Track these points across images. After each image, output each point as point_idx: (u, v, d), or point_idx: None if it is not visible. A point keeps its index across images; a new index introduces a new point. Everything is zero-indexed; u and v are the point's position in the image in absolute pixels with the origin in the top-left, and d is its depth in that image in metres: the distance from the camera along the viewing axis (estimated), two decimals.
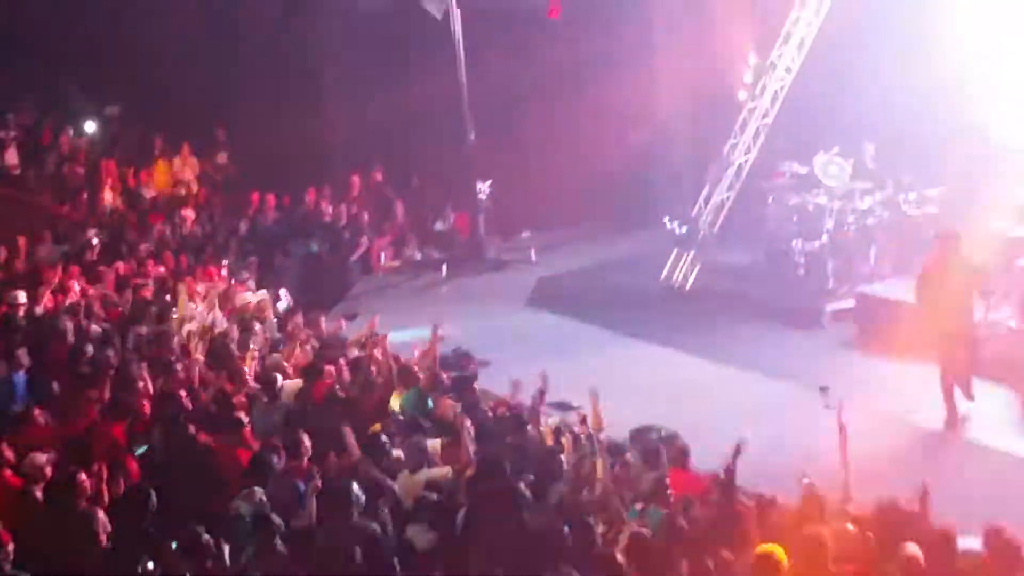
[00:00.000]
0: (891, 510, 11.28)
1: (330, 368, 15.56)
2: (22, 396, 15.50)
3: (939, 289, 14.81)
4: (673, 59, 23.85)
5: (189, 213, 22.92)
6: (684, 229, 21.68)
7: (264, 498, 11.85)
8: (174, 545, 10.95)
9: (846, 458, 12.84)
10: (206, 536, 10.88)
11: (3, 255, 20.24)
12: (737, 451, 12.16)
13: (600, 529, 11.27)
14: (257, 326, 17.80)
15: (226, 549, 11.14)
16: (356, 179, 24.44)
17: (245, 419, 13.93)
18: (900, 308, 18.22)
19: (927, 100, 20.31)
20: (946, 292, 14.72)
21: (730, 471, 12.03)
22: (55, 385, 15.32)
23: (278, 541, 11.11)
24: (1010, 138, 20.30)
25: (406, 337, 17.40)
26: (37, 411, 14.40)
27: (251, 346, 16.73)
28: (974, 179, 20.01)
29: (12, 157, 24.08)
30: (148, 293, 18.86)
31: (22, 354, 15.98)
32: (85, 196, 23.40)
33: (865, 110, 21.02)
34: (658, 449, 13.20)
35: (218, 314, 18.04)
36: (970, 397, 15.10)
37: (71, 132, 25.07)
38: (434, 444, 13.60)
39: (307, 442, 13.03)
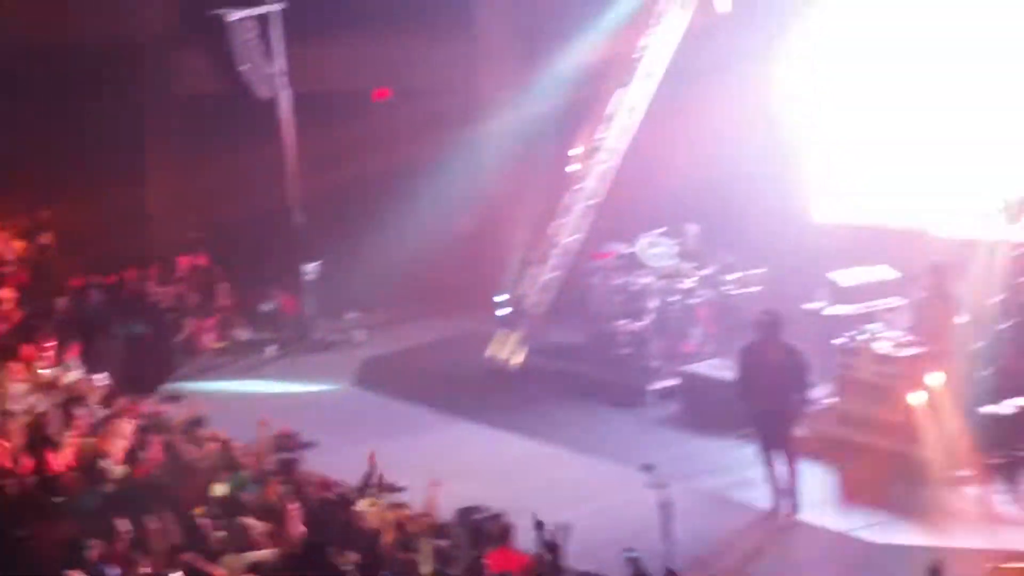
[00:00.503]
0: None
1: (153, 451, 15.36)
2: None
3: (762, 368, 14.90)
4: (501, 141, 23.96)
5: (8, 294, 22.37)
6: (510, 309, 21.71)
7: None
8: None
9: (670, 536, 12.93)
10: None
11: None
12: (563, 534, 12.21)
13: None
14: (80, 409, 17.51)
15: None
16: (182, 260, 24.18)
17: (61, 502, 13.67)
18: (723, 386, 18.45)
19: (750, 183, 20.65)
20: (773, 368, 14.81)
21: (555, 548, 12.04)
22: None
23: None
24: (830, 220, 20.74)
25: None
26: None
27: (72, 429, 16.44)
28: (796, 260, 20.36)
29: None
30: None
31: None
32: None
33: (689, 192, 21.31)
34: (481, 529, 13.24)
35: (39, 396, 17.72)
36: (793, 474, 15.20)
37: None
38: (259, 526, 13.45)
39: (125, 527, 12.82)
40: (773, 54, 20.81)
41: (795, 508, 15.01)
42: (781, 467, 15.20)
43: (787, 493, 15.11)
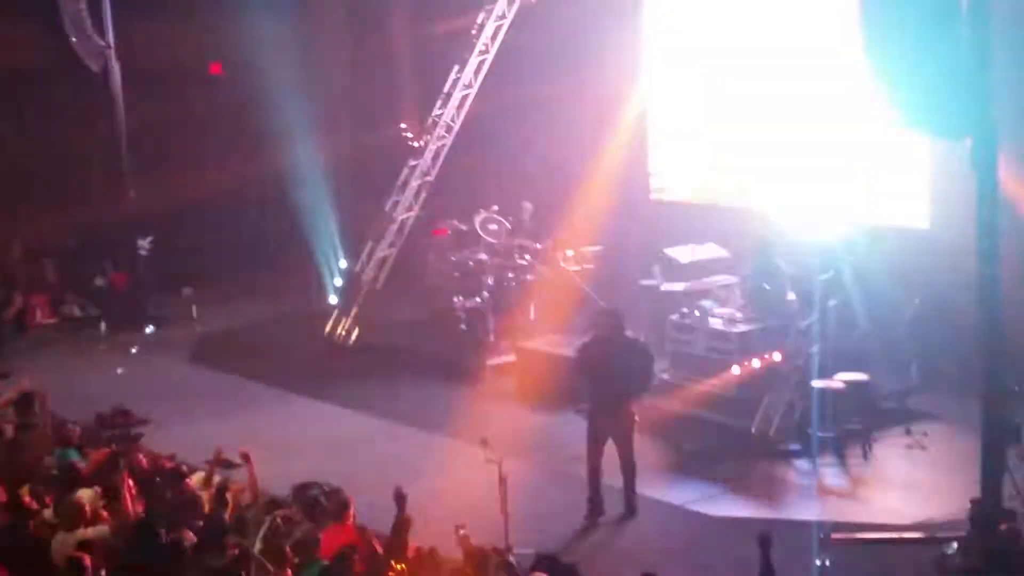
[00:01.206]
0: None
1: None
2: None
3: (602, 359, 14.77)
4: (335, 117, 23.88)
5: None
6: (347, 285, 21.63)
7: None
8: None
9: (506, 509, 12.94)
10: None
11: None
12: (401, 505, 12.23)
13: None
14: None
15: None
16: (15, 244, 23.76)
17: None
18: (558, 361, 18.52)
19: (586, 161, 20.76)
20: (613, 364, 14.61)
21: (404, 524, 12.10)
22: None
23: None
24: (668, 194, 20.93)
25: None
26: None
27: None
28: (629, 237, 20.51)
29: None
30: None
31: None
32: None
33: (525, 170, 21.38)
34: (317, 503, 13.18)
35: None
36: (631, 473, 14.80)
37: None
38: (93, 502, 13.25)
39: None
40: (611, 38, 20.93)
41: (633, 510, 14.62)
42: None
43: (625, 488, 14.72)
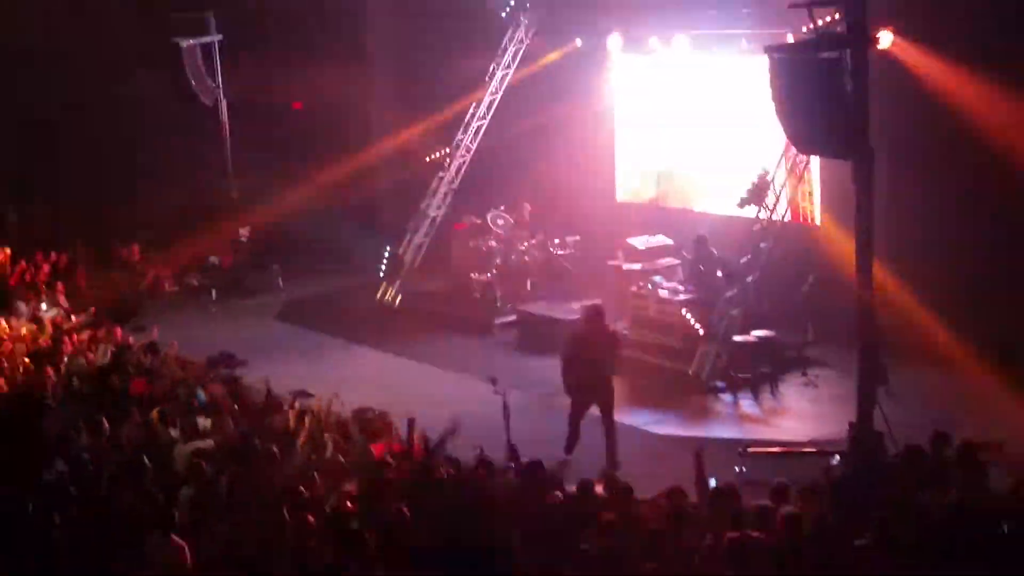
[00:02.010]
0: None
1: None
2: None
3: (585, 350, 14.34)
4: (384, 138, 23.82)
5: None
6: (393, 264, 21.63)
7: (64, 467, 11.40)
8: None
9: (509, 429, 12.97)
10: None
11: None
12: (450, 430, 12.12)
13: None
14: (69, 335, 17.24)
15: None
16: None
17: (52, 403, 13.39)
18: (548, 321, 18.55)
19: (569, 173, 20.84)
20: (594, 350, 14.26)
21: (441, 442, 12.06)
22: None
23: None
24: (628, 197, 20.94)
25: None
26: None
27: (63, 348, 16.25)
28: (602, 228, 20.56)
29: None
30: None
31: None
32: None
33: (524, 179, 21.38)
34: (370, 424, 13.23)
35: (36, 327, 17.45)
36: (613, 433, 14.23)
37: None
38: (204, 423, 13.30)
39: (106, 424, 12.62)
40: (588, 83, 20.93)
41: (615, 463, 13.73)
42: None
43: (608, 452, 14.04)
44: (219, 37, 22.38)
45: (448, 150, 21.80)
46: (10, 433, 12.57)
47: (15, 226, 23.38)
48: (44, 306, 19.01)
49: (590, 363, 14.13)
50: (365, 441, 12.87)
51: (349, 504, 10.54)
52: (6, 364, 15.39)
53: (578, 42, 20.84)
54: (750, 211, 17.46)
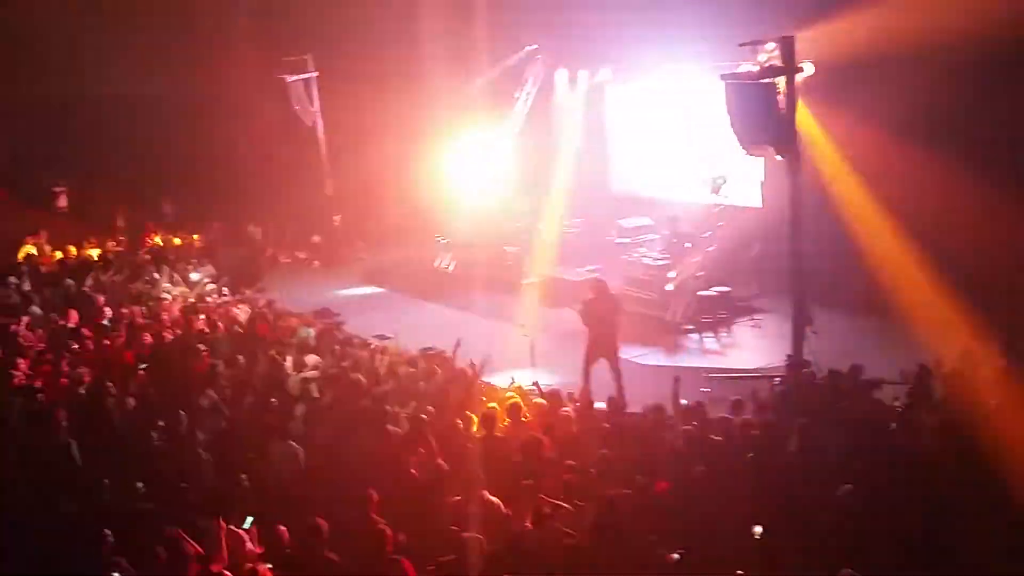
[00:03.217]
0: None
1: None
2: None
3: (594, 314, 13.82)
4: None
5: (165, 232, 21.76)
6: (446, 239, 21.53)
7: (215, 395, 11.48)
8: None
9: (534, 364, 13.00)
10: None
11: None
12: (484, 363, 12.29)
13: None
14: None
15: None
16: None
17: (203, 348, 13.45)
18: (563, 282, 18.49)
19: (576, 169, 20.47)
20: (601, 313, 13.74)
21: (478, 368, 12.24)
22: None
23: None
24: (620, 189, 20.80)
25: None
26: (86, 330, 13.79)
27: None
28: (601, 212, 20.43)
29: None
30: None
31: None
32: None
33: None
34: (433, 358, 13.27)
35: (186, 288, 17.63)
36: (618, 375, 13.59)
37: None
38: (314, 360, 13.38)
39: (241, 360, 12.75)
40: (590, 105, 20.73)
41: (621, 394, 12.77)
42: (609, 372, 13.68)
43: (616, 389, 13.22)
44: (316, 73, 22.27)
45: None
46: (171, 371, 12.67)
47: (171, 215, 23.41)
48: (195, 274, 19.10)
49: (598, 325, 13.64)
50: (429, 371, 12.87)
51: (424, 416, 10.56)
52: (167, 318, 15.47)
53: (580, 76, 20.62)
54: (711, 198, 17.33)
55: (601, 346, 13.67)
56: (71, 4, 23.21)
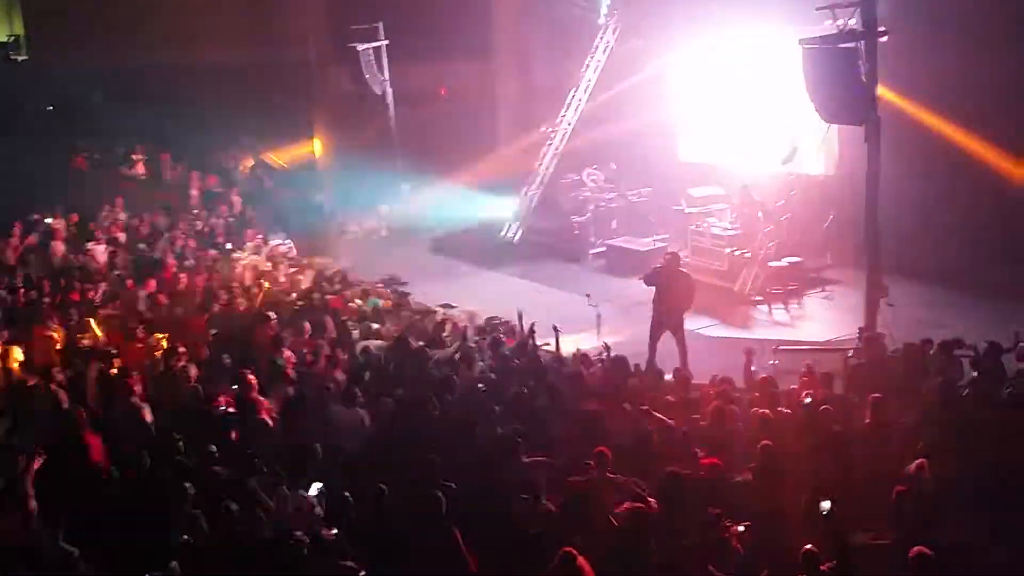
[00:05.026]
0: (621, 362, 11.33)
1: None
2: None
3: (659, 284, 13.50)
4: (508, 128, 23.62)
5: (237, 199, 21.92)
6: (514, 208, 21.50)
7: (282, 360, 11.62)
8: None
9: (600, 330, 12.94)
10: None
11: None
12: (531, 330, 12.30)
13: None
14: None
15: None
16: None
17: (272, 316, 13.60)
18: (629, 252, 18.34)
19: (645, 137, 20.32)
20: (671, 287, 13.38)
21: (532, 332, 12.24)
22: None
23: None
24: (689, 157, 20.49)
25: None
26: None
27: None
28: (669, 181, 20.15)
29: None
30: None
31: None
32: None
33: (611, 143, 20.84)
34: (498, 326, 13.34)
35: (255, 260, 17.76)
36: (683, 349, 13.30)
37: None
38: (382, 328, 13.51)
39: (307, 327, 12.89)
40: (658, 63, 20.34)
41: (685, 367, 12.32)
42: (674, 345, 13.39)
43: (680, 360, 12.97)
44: (386, 42, 22.23)
45: (556, 123, 21.49)
46: (243, 339, 12.83)
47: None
48: (273, 239, 19.32)
49: (667, 301, 13.33)
50: (495, 337, 12.92)
51: (481, 386, 10.59)
52: (238, 286, 15.67)
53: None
54: (783, 167, 16.98)
55: (668, 318, 13.43)
56: None
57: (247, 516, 7.74)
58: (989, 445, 8.70)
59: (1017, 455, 8.55)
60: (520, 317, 12.89)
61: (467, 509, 7.75)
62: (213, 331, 13.31)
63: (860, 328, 12.67)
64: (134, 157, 22.92)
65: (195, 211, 20.90)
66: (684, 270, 13.86)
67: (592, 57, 20.92)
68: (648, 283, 13.59)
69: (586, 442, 8.78)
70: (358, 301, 14.89)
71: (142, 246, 17.97)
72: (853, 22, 12.16)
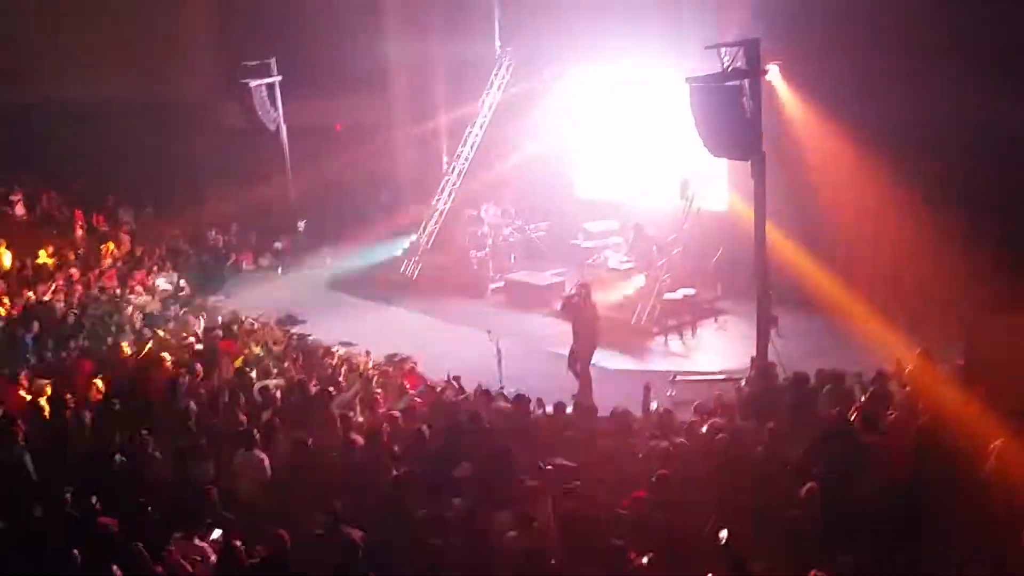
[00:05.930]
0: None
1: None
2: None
3: (575, 313, 14.05)
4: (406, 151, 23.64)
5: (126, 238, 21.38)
6: (412, 245, 21.42)
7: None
8: None
9: (501, 371, 12.97)
10: None
11: None
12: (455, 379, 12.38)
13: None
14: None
15: None
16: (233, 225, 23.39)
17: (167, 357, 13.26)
18: (530, 287, 18.45)
19: (542, 173, 20.50)
20: (581, 315, 13.91)
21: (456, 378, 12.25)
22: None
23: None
24: (585, 193, 20.80)
25: None
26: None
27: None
28: (565, 216, 20.41)
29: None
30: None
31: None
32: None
33: (508, 179, 21.02)
34: (398, 363, 13.23)
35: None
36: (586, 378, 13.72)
37: None
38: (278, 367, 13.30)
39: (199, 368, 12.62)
40: (550, 103, 20.65)
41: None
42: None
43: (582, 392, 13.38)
44: (279, 78, 22.07)
45: (452, 159, 21.56)
46: (134, 389, 12.36)
47: (131, 221, 23.10)
48: (160, 280, 18.85)
49: (577, 324, 13.68)
50: (396, 375, 12.85)
51: (387, 426, 10.49)
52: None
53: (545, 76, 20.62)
54: (677, 201, 17.39)
55: (576, 348, 13.63)
56: (26, 8, 22.91)
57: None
58: (877, 470, 9.01)
59: (904, 478, 8.87)
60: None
61: (377, 552, 7.67)
62: (101, 375, 12.86)
63: (752, 359, 12.99)
64: (12, 198, 22.19)
65: (80, 251, 20.27)
66: (592, 299, 14.09)
67: (487, 93, 21.13)
68: (562, 314, 13.69)
69: (491, 481, 8.79)
70: (253, 345, 14.61)
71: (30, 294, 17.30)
72: (739, 63, 12.59)
